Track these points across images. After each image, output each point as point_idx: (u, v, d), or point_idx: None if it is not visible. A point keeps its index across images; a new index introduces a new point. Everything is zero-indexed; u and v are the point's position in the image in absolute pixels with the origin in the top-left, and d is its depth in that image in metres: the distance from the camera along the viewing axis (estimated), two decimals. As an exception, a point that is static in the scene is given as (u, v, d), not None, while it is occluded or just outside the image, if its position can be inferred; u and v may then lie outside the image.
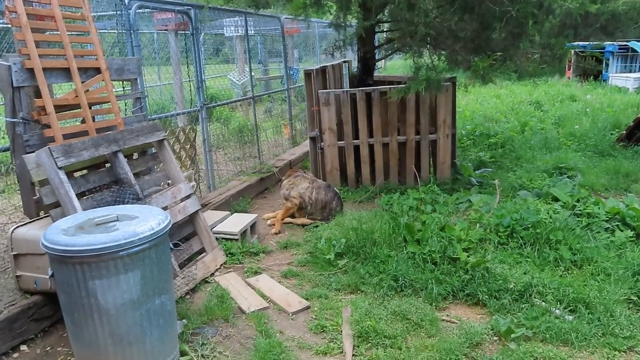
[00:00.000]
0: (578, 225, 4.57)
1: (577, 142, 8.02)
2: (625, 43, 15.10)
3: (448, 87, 6.11)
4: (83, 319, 2.75)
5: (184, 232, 4.36)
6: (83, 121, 3.99)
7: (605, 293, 3.56)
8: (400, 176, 6.47)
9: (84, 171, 4.03)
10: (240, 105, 11.27)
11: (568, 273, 3.98)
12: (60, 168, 3.38)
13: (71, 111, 3.98)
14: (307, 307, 3.73)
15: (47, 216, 3.60)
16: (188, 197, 4.36)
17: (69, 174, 3.65)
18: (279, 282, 4.15)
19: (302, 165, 7.09)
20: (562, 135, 8.56)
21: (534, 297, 3.62)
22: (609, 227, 4.63)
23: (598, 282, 3.75)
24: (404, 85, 5.56)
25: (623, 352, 3.10)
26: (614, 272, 3.83)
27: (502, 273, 3.83)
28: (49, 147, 3.37)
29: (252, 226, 5.02)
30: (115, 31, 5.31)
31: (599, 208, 4.90)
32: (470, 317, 3.55)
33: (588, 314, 3.38)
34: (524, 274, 3.84)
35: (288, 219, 5.50)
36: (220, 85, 12.42)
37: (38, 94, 3.67)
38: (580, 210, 4.96)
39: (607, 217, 4.77)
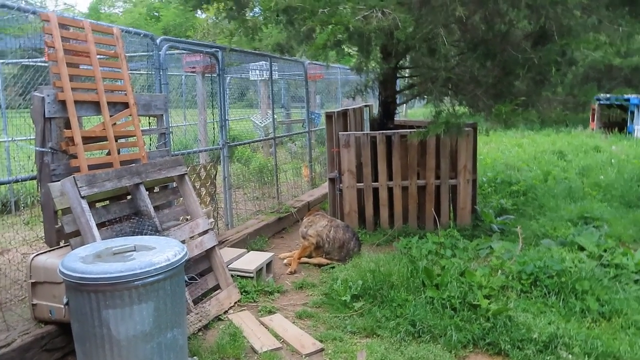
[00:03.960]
0: (606, 276, 4.43)
1: (603, 192, 7.86)
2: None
3: (469, 132, 6.11)
4: (94, 349, 2.71)
5: (199, 267, 4.34)
6: (109, 153, 4.09)
7: (636, 348, 3.40)
8: (420, 220, 6.39)
9: (107, 202, 4.09)
10: (262, 147, 11.45)
11: (596, 325, 3.81)
12: (83, 197, 3.44)
13: (98, 143, 4.08)
14: (321, 350, 3.63)
15: (67, 245, 3.63)
16: (205, 232, 4.37)
17: (91, 204, 3.71)
18: (293, 322, 4.06)
19: (321, 207, 7.08)
20: (586, 185, 8.40)
21: (560, 349, 3.46)
22: (638, 280, 4.47)
23: (629, 335, 3.59)
24: (424, 129, 5.59)
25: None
26: (645, 326, 3.66)
27: (525, 322, 3.68)
28: (73, 177, 3.44)
29: (268, 265, 4.98)
30: (145, 72, 5.52)
31: (627, 259, 4.75)
32: (492, 367, 3.40)
33: (618, 369, 3.21)
34: (549, 324, 3.68)
35: (304, 259, 5.44)
36: (243, 128, 12.67)
37: (68, 125, 3.79)
38: (607, 260, 4.82)
39: (637, 269, 4.62)
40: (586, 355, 3.37)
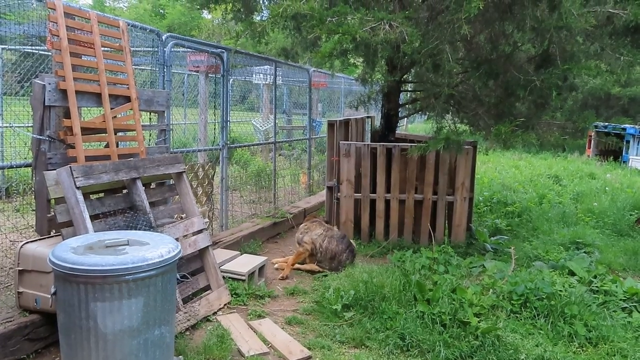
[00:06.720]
0: (594, 302, 4.43)
1: (596, 219, 7.90)
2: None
3: (469, 151, 6.13)
4: (79, 342, 2.67)
5: (191, 266, 4.31)
6: (107, 146, 4.06)
7: (622, 376, 3.39)
8: (415, 234, 6.39)
9: (101, 194, 4.06)
10: (261, 151, 11.44)
11: (582, 350, 3.80)
12: (78, 188, 3.40)
13: (97, 135, 4.06)
14: (309, 357, 3.59)
15: (58, 235, 3.59)
16: (200, 231, 4.34)
17: (86, 195, 3.67)
18: (282, 328, 4.03)
19: (317, 215, 7.06)
20: (580, 210, 8.44)
21: (546, 372, 3.45)
22: (626, 307, 4.47)
23: (614, 362, 3.58)
24: (424, 144, 5.60)
25: None
26: (630, 355, 3.67)
27: (513, 343, 3.68)
28: (70, 166, 3.41)
29: (261, 269, 4.94)
30: (149, 68, 5.50)
31: (616, 287, 4.77)
32: (478, 386, 3.38)
33: (603, 395, 3.20)
34: (536, 346, 3.69)
35: (296, 265, 5.41)
36: (243, 130, 12.66)
37: (67, 114, 3.76)
38: (597, 286, 4.83)
39: (625, 297, 4.63)
40: (572, 380, 3.36)
